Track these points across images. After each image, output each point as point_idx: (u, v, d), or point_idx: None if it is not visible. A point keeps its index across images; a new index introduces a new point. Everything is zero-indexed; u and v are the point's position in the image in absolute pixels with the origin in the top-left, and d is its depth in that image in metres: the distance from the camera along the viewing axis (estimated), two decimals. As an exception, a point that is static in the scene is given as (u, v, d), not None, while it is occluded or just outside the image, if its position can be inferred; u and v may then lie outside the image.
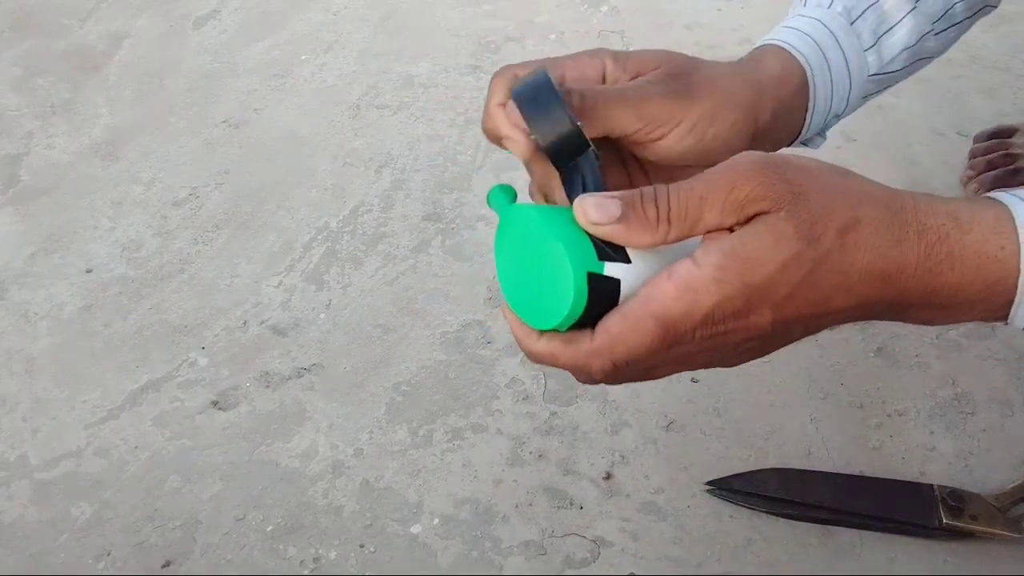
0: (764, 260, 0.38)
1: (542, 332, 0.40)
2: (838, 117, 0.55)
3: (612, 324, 0.39)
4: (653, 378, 0.42)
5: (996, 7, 0.59)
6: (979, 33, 1.06)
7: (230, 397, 0.71)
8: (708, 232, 0.39)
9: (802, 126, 0.53)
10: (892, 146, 0.90)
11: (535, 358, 0.41)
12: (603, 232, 0.38)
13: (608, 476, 0.63)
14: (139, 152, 0.96)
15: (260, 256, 0.83)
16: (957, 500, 0.59)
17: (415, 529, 0.61)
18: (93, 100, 1.04)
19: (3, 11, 1.20)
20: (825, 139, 0.57)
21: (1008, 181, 0.83)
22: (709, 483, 0.62)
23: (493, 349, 0.73)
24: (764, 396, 0.68)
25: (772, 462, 0.63)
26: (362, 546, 0.60)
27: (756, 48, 0.52)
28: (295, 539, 0.61)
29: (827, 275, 0.39)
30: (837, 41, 0.53)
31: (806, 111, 0.52)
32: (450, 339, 0.74)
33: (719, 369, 0.65)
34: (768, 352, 0.42)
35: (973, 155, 0.88)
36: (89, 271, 0.82)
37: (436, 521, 0.61)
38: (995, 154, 0.86)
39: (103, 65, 1.09)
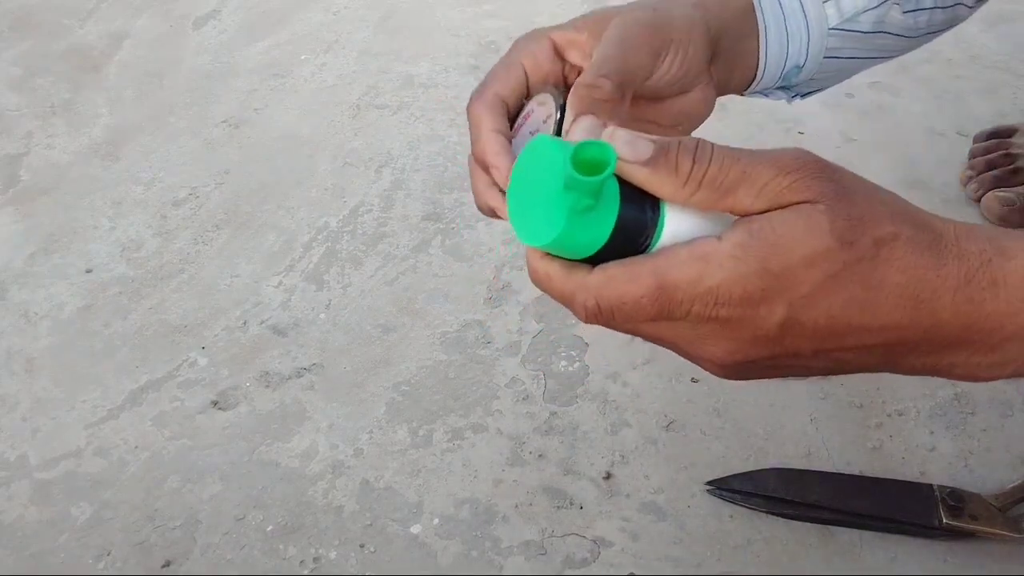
0: (790, 247, 0.34)
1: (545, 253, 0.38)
2: (799, 69, 0.53)
3: (612, 266, 0.36)
4: (639, 335, 0.38)
5: (966, 18, 0.59)
6: (979, 33, 1.06)
7: (230, 397, 0.71)
8: (735, 212, 0.35)
9: (756, 67, 0.51)
10: (892, 146, 0.90)
11: (532, 275, 0.39)
12: (626, 171, 0.35)
13: (608, 476, 0.63)
14: (139, 152, 0.96)
15: (260, 256, 0.83)
16: (957, 500, 0.59)
17: (415, 529, 0.61)
18: (93, 100, 1.04)
19: (3, 11, 1.20)
20: (790, 100, 0.55)
21: (1008, 181, 0.83)
22: (709, 483, 0.62)
23: (493, 349, 0.73)
24: (764, 396, 0.68)
25: (772, 462, 0.63)
26: (362, 546, 0.60)
27: None
28: (295, 539, 0.61)
29: (854, 285, 0.35)
30: None
31: (757, 48, 0.51)
32: (450, 339, 0.74)
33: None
34: (765, 371, 0.38)
35: (973, 155, 0.88)
36: (89, 271, 0.82)
37: (436, 521, 0.61)
38: (995, 154, 0.86)
39: (103, 65, 1.09)
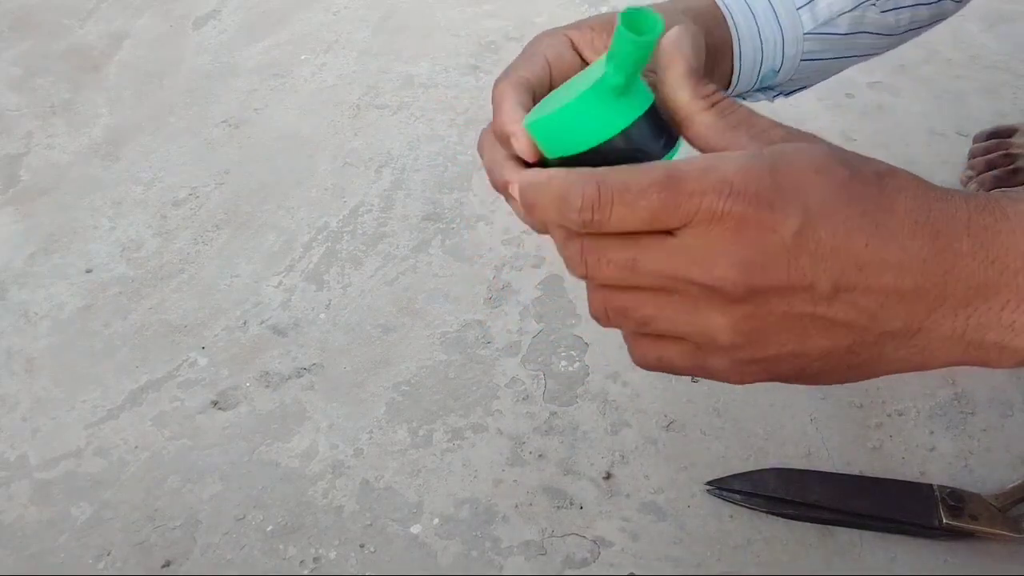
0: (800, 160, 0.33)
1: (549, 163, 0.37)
2: (776, 73, 0.53)
3: (623, 165, 0.34)
4: (640, 280, 0.35)
5: (954, 12, 0.59)
6: (979, 33, 1.06)
7: (230, 397, 0.71)
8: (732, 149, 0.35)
9: (731, 73, 0.51)
10: (892, 146, 0.90)
11: (527, 187, 0.36)
12: (665, 58, 0.36)
13: (608, 476, 0.63)
14: (139, 152, 0.96)
15: (260, 256, 0.83)
16: (957, 500, 0.59)
17: (415, 529, 0.61)
18: (93, 100, 1.04)
19: (3, 11, 1.20)
20: (772, 99, 0.56)
21: (1008, 181, 0.83)
22: (709, 483, 0.62)
23: (493, 349, 0.73)
24: (764, 396, 0.68)
25: (772, 462, 0.63)
26: (362, 546, 0.60)
27: None
28: (295, 539, 0.61)
29: (866, 201, 0.33)
30: None
31: (731, 55, 0.50)
32: (450, 339, 0.74)
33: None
34: (782, 325, 0.34)
35: (972, 155, 0.88)
36: (89, 271, 0.82)
37: (436, 521, 0.61)
38: (995, 154, 0.86)
39: (103, 65, 1.09)
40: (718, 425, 0.66)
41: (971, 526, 0.58)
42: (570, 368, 0.71)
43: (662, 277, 0.34)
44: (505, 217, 0.84)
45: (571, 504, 0.62)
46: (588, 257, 0.36)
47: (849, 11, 0.54)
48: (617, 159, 0.35)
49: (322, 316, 0.77)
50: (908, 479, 0.62)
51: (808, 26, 0.53)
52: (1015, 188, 0.36)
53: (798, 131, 0.36)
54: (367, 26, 1.14)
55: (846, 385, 0.69)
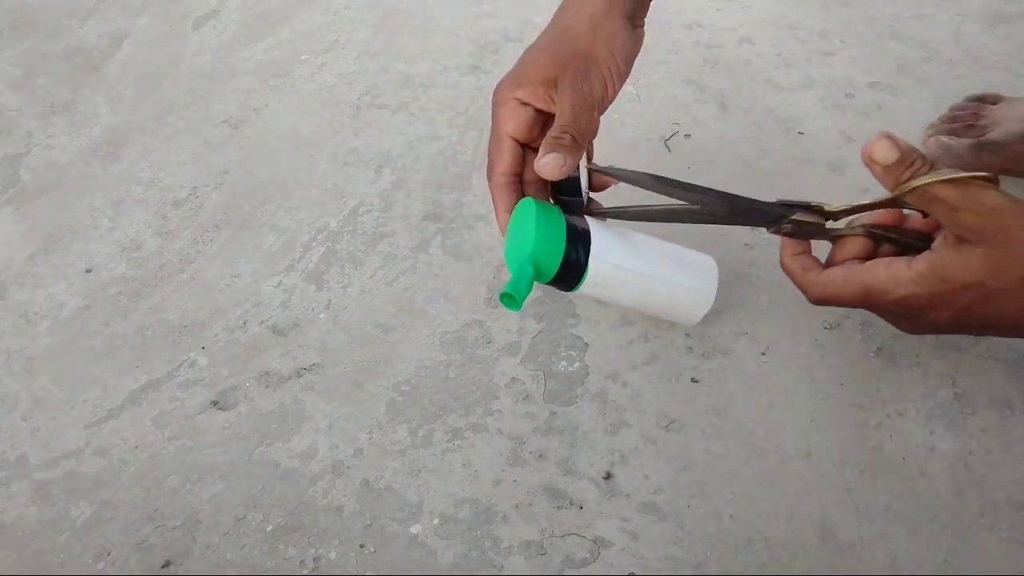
0: (951, 279, 0.53)
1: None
2: None
3: (831, 274, 0.59)
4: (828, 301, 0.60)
5: None
6: (979, 33, 1.06)
7: (230, 397, 0.71)
8: (929, 224, 0.59)
9: None
10: (892, 146, 0.90)
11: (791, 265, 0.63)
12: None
13: (608, 476, 0.63)
14: (139, 152, 0.96)
15: (260, 256, 0.83)
16: (796, 226, 0.61)
17: (415, 529, 0.61)
18: (93, 100, 1.04)
19: (3, 11, 1.20)
20: None
21: (959, 132, 0.87)
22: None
23: (493, 349, 0.73)
24: (764, 396, 0.68)
25: (772, 462, 0.64)
26: (362, 546, 0.60)
27: None
28: (295, 539, 0.61)
29: (1004, 303, 0.52)
30: None
31: None
32: (450, 339, 0.74)
33: (719, 369, 0.65)
34: (947, 331, 0.58)
35: (950, 110, 0.91)
36: (89, 271, 0.82)
37: (436, 521, 0.61)
38: (964, 111, 0.89)
39: (103, 65, 1.09)
40: (718, 425, 0.66)
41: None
42: (570, 368, 0.71)
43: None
44: (505, 217, 0.84)
45: (571, 504, 0.62)
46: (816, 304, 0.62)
47: None
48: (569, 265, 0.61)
49: (322, 316, 0.77)
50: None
51: None
52: None
53: (984, 206, 0.51)
54: (367, 26, 1.14)
55: (846, 385, 0.69)
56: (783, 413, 0.67)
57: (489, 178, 0.63)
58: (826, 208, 0.61)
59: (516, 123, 0.61)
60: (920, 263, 0.54)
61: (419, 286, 0.79)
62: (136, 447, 0.67)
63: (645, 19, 0.63)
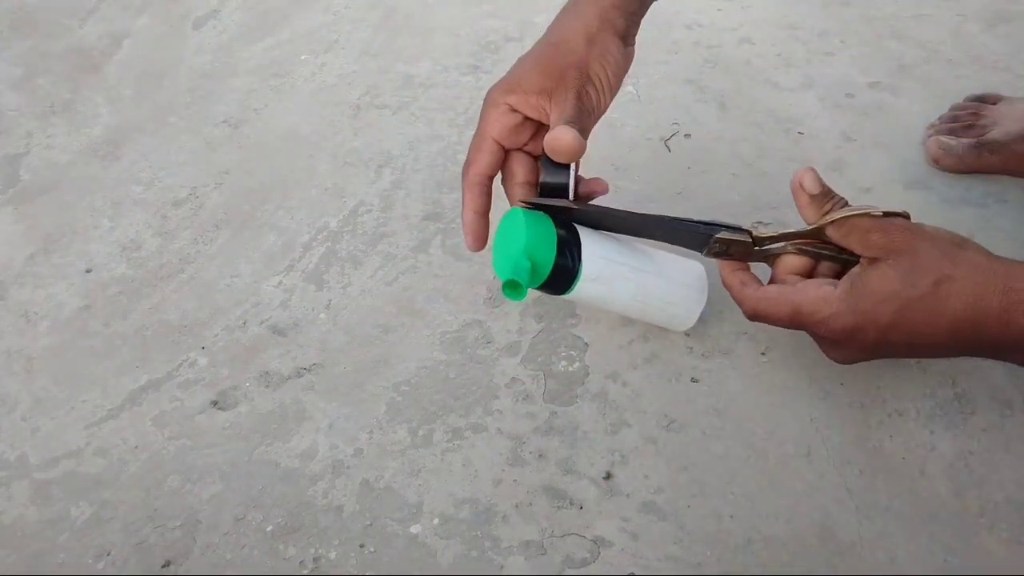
0: (870, 293, 0.56)
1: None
2: None
3: (771, 289, 0.61)
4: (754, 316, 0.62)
5: None
6: (979, 33, 1.06)
7: (230, 397, 0.71)
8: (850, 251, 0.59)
9: None
10: (892, 146, 0.90)
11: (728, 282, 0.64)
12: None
13: (608, 476, 0.63)
14: (139, 152, 0.96)
15: (260, 256, 0.83)
16: (724, 246, 0.62)
17: (415, 529, 0.61)
18: (93, 100, 1.04)
19: (3, 11, 1.20)
20: None
21: (958, 132, 0.88)
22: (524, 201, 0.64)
23: (493, 349, 0.73)
24: (764, 396, 0.68)
25: (772, 462, 0.64)
26: (362, 546, 0.60)
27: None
28: (295, 539, 0.61)
29: (920, 312, 0.55)
30: None
31: None
32: (450, 339, 0.74)
33: (719, 369, 0.65)
34: (871, 358, 0.61)
35: (950, 110, 0.92)
36: (89, 271, 0.82)
37: (436, 521, 0.61)
38: (964, 111, 0.90)
39: (103, 65, 1.09)
40: (718, 425, 0.66)
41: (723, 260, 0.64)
42: (570, 368, 0.71)
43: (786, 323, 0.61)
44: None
45: (571, 504, 0.62)
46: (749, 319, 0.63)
47: None
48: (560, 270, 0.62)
49: (322, 316, 0.77)
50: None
51: None
52: None
53: (892, 225, 0.57)
54: (367, 26, 1.14)
55: (846, 385, 0.69)
56: (783, 413, 0.67)
57: (464, 175, 0.63)
58: (754, 233, 0.62)
59: (503, 127, 0.62)
60: (843, 283, 0.57)
61: (419, 286, 0.79)
62: (136, 447, 0.67)
63: (636, 37, 0.65)
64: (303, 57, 1.09)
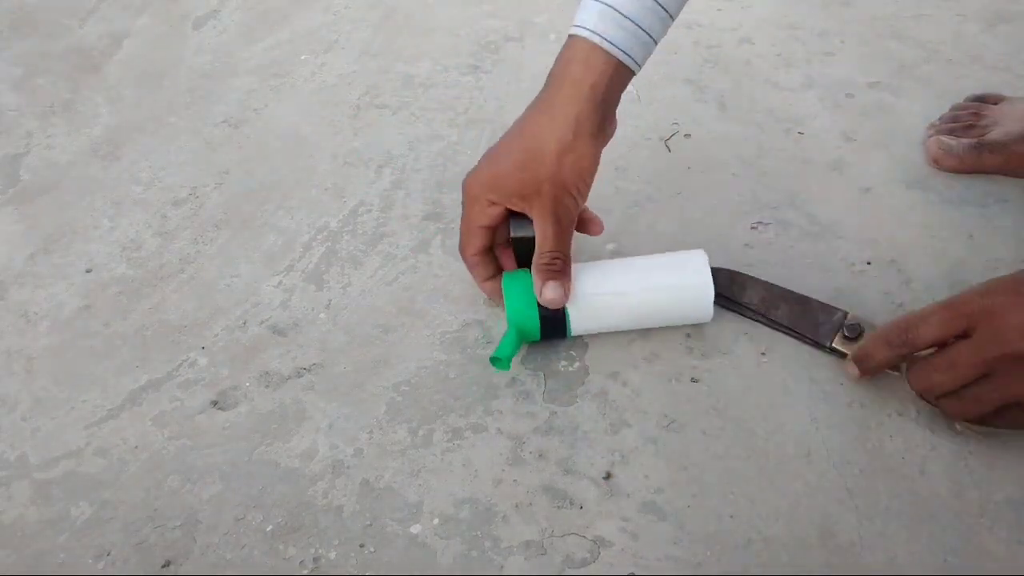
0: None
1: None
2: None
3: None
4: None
5: None
6: (979, 33, 1.06)
7: (230, 397, 0.71)
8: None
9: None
10: (892, 146, 0.90)
11: (858, 351, 0.66)
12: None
13: (608, 476, 0.63)
14: (139, 152, 0.96)
15: (260, 256, 0.83)
16: (854, 332, 0.68)
17: (415, 529, 0.61)
18: (93, 100, 1.04)
19: (3, 11, 1.20)
20: None
21: (958, 132, 0.88)
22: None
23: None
24: (764, 396, 0.68)
25: (772, 462, 0.64)
26: (362, 546, 0.60)
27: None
28: (295, 539, 0.61)
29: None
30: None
31: (631, 74, 0.67)
32: (450, 339, 0.74)
33: (719, 369, 0.65)
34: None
35: (951, 110, 0.92)
36: (89, 271, 0.82)
37: (436, 521, 0.61)
38: (965, 111, 0.90)
39: (103, 65, 1.09)
40: (718, 425, 0.66)
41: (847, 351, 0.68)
42: (570, 368, 0.71)
43: (978, 365, 0.58)
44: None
45: (571, 504, 0.62)
46: (918, 376, 0.62)
47: None
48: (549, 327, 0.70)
49: (322, 316, 0.77)
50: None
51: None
52: None
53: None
54: (367, 26, 1.14)
55: (846, 385, 0.69)
56: (783, 413, 0.67)
57: (463, 256, 0.71)
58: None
59: (489, 218, 0.68)
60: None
61: (419, 286, 0.79)
62: (136, 447, 0.67)
63: (615, 113, 0.67)
64: (303, 57, 1.09)
